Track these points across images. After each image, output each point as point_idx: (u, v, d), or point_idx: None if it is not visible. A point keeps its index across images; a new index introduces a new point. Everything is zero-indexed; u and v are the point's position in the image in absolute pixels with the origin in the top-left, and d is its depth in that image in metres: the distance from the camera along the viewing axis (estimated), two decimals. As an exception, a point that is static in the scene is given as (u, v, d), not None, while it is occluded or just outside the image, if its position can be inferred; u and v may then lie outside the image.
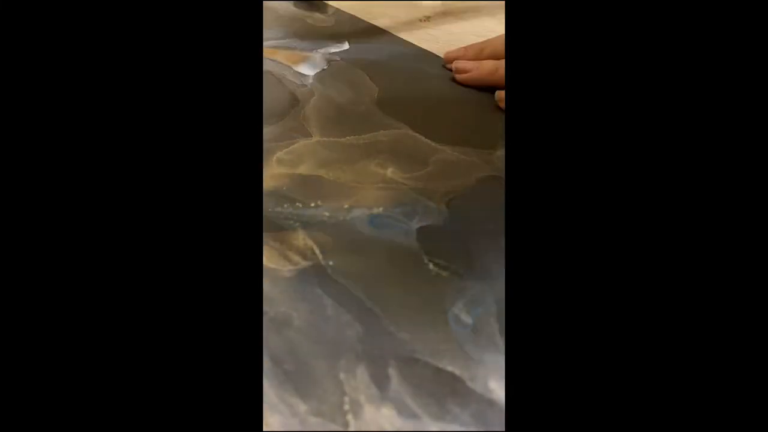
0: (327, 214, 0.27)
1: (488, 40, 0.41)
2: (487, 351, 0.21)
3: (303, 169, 0.30)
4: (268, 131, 0.33)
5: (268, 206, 0.27)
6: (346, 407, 0.19)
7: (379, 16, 0.50)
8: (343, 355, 0.21)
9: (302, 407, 0.19)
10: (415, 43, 0.45)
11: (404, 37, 0.46)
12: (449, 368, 0.21)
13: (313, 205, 0.28)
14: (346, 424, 0.19)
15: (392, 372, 0.20)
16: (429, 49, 0.44)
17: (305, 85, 0.38)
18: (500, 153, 0.33)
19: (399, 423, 0.19)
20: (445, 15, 0.50)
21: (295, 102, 0.36)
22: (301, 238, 0.26)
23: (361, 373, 0.20)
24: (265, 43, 0.43)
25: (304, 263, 0.24)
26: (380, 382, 0.20)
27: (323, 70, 0.40)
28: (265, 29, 0.46)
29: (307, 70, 0.40)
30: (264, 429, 0.18)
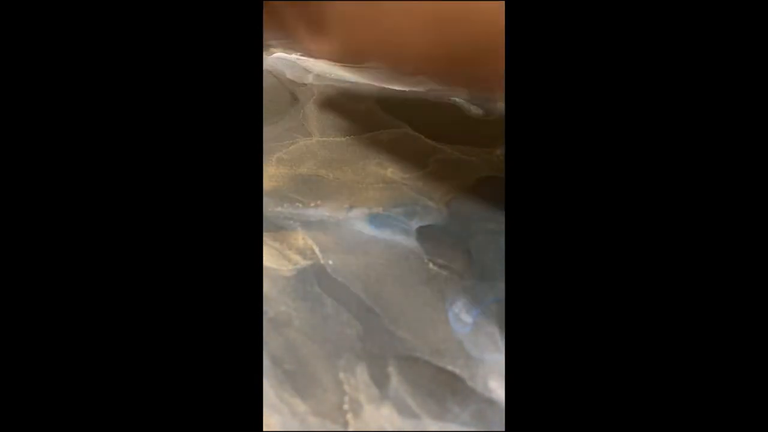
0: (327, 213, 0.27)
1: None
2: (487, 350, 0.21)
3: (303, 169, 0.30)
4: (268, 131, 0.33)
5: (268, 206, 0.27)
6: (346, 407, 0.19)
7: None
8: (343, 354, 0.21)
9: (302, 407, 0.19)
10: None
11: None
12: (449, 368, 0.21)
13: (313, 204, 0.28)
14: (346, 423, 0.19)
15: (392, 371, 0.20)
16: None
17: (305, 84, 0.38)
18: (500, 152, 0.33)
19: (399, 422, 0.19)
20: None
21: (294, 101, 0.36)
22: (300, 238, 0.26)
23: (361, 373, 0.20)
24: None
25: (303, 263, 0.24)
26: (380, 381, 0.20)
27: (323, 69, 0.40)
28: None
29: (307, 69, 0.40)
30: (264, 429, 0.18)
